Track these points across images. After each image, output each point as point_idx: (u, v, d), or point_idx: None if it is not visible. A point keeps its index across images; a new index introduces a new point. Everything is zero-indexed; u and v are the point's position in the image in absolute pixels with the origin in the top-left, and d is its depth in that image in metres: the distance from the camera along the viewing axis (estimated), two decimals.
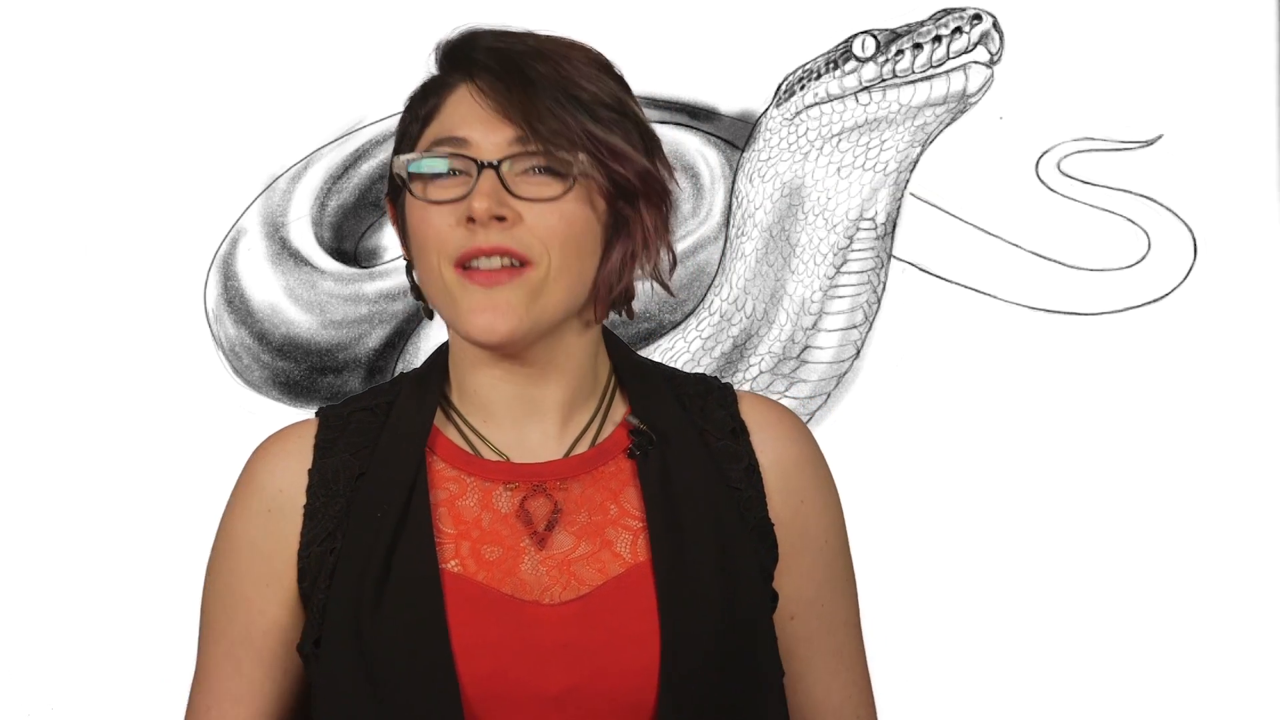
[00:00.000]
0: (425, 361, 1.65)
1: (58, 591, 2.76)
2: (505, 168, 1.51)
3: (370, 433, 1.59)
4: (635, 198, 1.55)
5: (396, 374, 2.80)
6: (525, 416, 1.58)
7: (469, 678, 1.49)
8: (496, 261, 1.51)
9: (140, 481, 2.76)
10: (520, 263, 1.51)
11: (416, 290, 1.60)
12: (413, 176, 1.54)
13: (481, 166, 1.51)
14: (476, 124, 1.52)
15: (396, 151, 1.58)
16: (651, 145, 1.57)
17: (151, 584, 2.73)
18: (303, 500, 1.57)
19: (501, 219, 1.50)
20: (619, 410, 1.61)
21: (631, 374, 1.62)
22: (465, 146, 1.52)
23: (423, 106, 1.57)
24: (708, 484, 1.57)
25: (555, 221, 1.52)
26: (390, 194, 1.60)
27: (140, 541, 2.75)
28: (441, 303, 1.54)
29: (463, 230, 1.51)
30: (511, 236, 1.51)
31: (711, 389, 1.64)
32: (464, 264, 1.51)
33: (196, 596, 1.62)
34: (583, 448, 1.58)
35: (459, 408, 1.60)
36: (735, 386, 1.66)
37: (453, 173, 1.53)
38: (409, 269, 1.60)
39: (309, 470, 1.58)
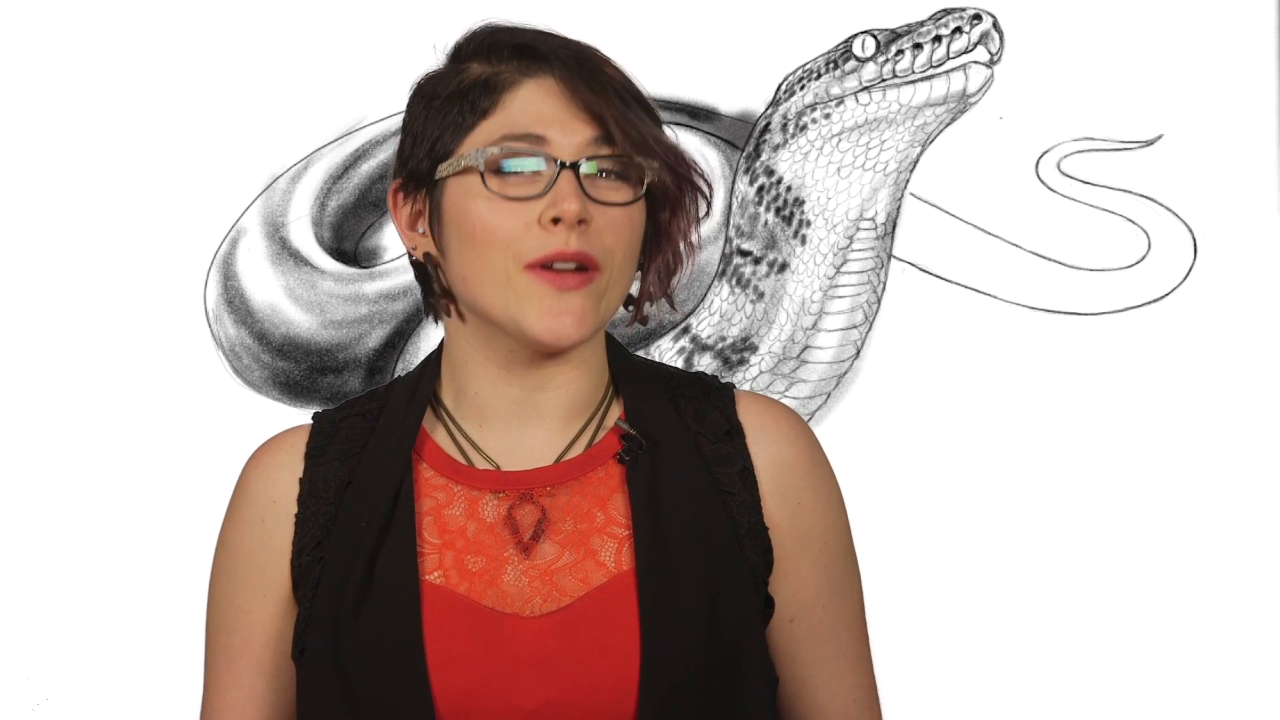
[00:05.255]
0: (419, 365, 1.61)
1: (58, 591, 2.76)
2: (581, 169, 1.47)
3: (359, 439, 1.57)
4: (679, 208, 1.52)
5: (395, 374, 2.82)
6: (525, 421, 1.54)
7: (443, 691, 1.46)
8: (570, 265, 1.47)
9: (141, 481, 2.76)
10: (587, 267, 1.48)
11: (430, 293, 1.55)
12: (489, 171, 1.48)
13: (561, 166, 1.47)
14: (554, 122, 1.48)
15: (429, 145, 1.51)
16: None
17: (152, 583, 2.73)
18: (294, 509, 1.56)
19: (583, 222, 1.46)
20: (614, 414, 1.57)
21: (627, 376, 1.58)
22: (543, 145, 1.47)
23: (483, 98, 1.49)
24: (697, 490, 1.53)
25: (622, 227, 1.49)
26: (406, 187, 1.54)
27: (140, 541, 2.75)
28: (500, 302, 1.49)
29: (540, 231, 1.46)
30: (587, 241, 1.47)
31: (710, 389, 1.59)
32: (538, 265, 1.47)
33: (196, 595, 1.62)
34: (576, 453, 1.54)
35: (453, 413, 1.56)
36: (736, 386, 1.62)
37: (518, 170, 1.48)
38: (427, 268, 1.54)
39: (299, 479, 1.56)
